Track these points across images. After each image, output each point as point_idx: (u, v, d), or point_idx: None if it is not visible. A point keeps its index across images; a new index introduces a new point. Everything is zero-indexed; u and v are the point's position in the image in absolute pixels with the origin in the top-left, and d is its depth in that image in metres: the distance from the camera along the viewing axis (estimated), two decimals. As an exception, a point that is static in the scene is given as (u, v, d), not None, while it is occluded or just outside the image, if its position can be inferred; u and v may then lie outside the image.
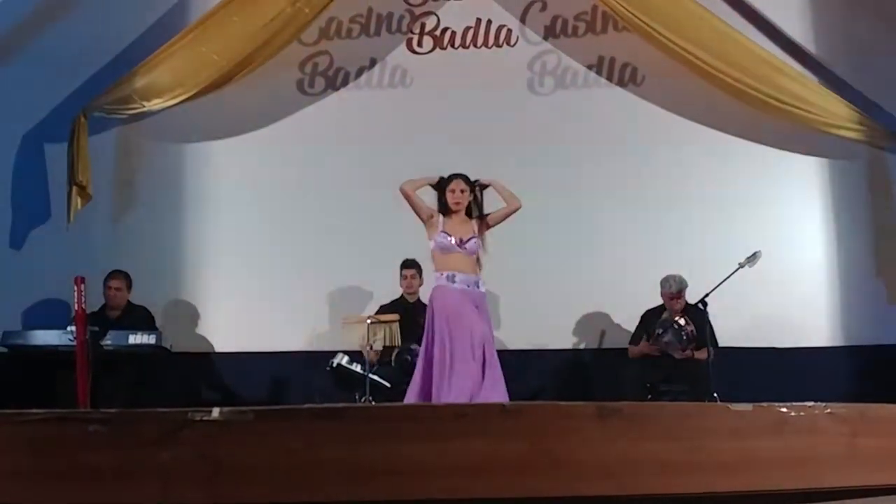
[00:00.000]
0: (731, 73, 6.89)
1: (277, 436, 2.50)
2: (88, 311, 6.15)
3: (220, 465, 2.45)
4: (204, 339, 7.28)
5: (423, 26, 7.55)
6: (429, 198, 5.73)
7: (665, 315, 6.52)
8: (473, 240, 5.55)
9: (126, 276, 6.77)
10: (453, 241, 5.52)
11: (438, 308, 5.46)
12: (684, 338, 6.33)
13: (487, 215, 5.69)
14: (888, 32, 7.17)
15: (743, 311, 6.77)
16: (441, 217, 5.62)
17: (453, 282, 5.48)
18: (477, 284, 5.54)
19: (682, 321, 6.36)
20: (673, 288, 6.55)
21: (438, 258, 5.59)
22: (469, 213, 5.66)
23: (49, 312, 6.82)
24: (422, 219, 5.67)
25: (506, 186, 5.76)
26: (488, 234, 5.70)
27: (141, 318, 6.61)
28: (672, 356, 6.39)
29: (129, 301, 6.76)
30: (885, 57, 7.12)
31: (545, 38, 7.49)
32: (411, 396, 5.41)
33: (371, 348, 6.17)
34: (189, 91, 7.12)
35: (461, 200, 5.62)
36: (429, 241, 5.64)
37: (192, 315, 7.30)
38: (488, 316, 5.64)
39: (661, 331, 6.39)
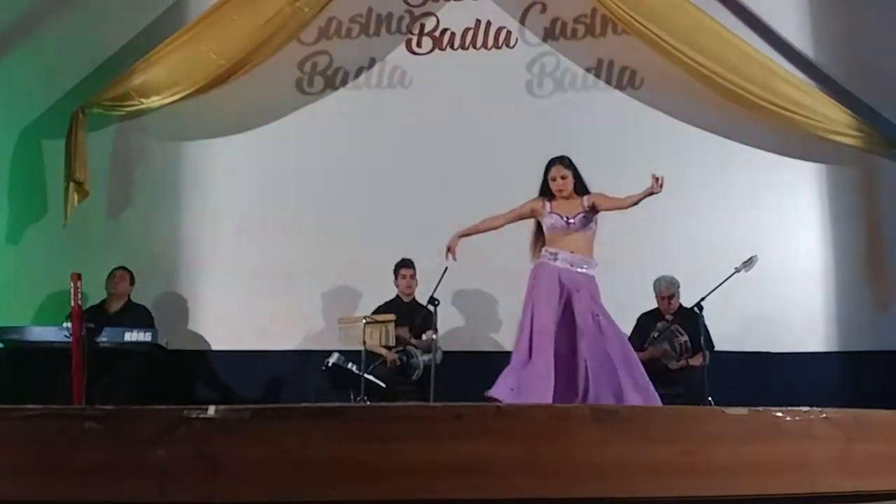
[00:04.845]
0: (730, 77, 6.90)
1: (274, 434, 2.50)
2: (88, 307, 6.15)
3: (217, 463, 2.45)
4: (200, 336, 7.28)
5: (422, 27, 7.55)
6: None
7: (661, 324, 6.54)
8: (581, 215, 5.23)
9: (130, 273, 6.81)
10: (563, 220, 5.21)
11: (532, 289, 5.19)
12: (678, 348, 6.36)
13: (594, 194, 5.31)
14: (887, 39, 7.17)
15: (738, 316, 6.78)
16: (547, 202, 5.29)
17: (555, 259, 5.20)
18: (582, 265, 5.22)
19: (677, 332, 6.38)
20: (664, 289, 6.57)
21: (549, 238, 5.27)
22: (577, 192, 5.30)
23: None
24: (530, 217, 5.37)
25: (609, 202, 5.30)
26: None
27: (140, 317, 6.62)
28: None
29: (129, 298, 6.77)
30: (883, 64, 7.12)
31: (544, 40, 7.49)
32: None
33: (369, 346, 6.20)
34: (187, 89, 7.13)
35: (564, 187, 5.27)
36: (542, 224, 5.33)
37: (189, 312, 7.30)
38: (591, 302, 5.19)
39: (656, 335, 6.43)
